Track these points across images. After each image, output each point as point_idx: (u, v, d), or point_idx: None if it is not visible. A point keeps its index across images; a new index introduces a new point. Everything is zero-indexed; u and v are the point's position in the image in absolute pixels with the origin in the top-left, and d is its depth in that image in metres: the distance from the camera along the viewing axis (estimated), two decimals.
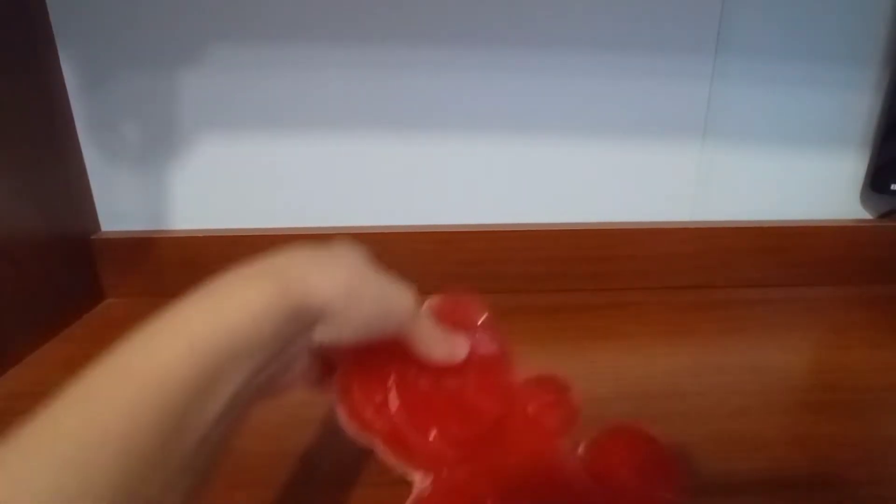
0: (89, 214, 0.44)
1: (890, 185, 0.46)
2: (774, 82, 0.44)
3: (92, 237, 0.44)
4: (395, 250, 0.45)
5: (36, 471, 0.13)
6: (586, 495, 0.23)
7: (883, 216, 0.49)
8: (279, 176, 0.45)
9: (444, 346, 0.23)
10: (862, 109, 0.46)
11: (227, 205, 0.45)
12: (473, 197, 0.46)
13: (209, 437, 0.15)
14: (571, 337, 0.39)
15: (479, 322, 0.26)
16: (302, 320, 0.18)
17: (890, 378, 0.34)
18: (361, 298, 0.19)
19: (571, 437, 0.25)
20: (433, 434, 0.23)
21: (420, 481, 0.23)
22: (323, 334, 0.19)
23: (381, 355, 0.22)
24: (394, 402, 0.23)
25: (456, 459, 0.23)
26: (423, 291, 0.50)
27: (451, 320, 0.24)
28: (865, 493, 0.25)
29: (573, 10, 0.41)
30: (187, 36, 0.41)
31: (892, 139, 0.45)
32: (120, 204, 0.44)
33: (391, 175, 0.45)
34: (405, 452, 0.23)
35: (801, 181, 0.48)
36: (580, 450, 0.25)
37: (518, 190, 0.46)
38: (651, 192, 0.47)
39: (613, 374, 0.34)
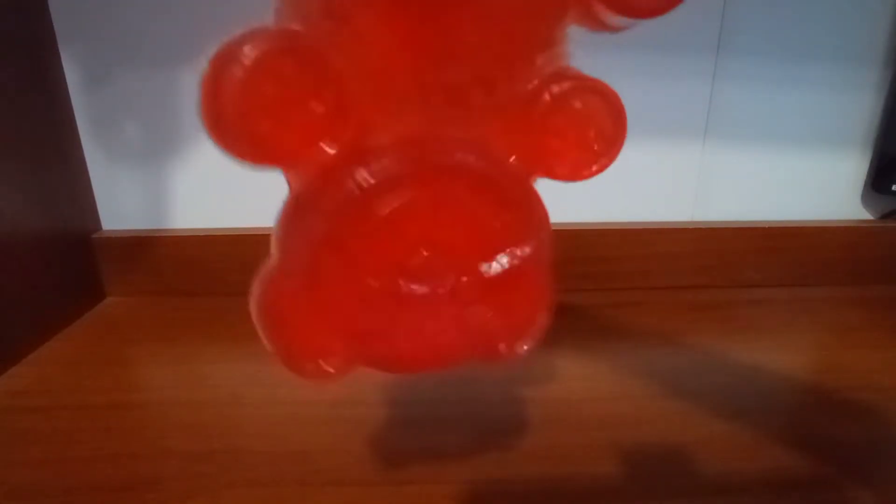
0: (90, 213, 0.44)
1: (891, 186, 0.46)
2: (776, 82, 0.44)
3: (93, 236, 0.44)
4: None
5: None
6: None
7: (884, 217, 0.49)
8: (280, 175, 0.45)
9: None
10: (863, 109, 0.46)
11: (228, 204, 0.45)
12: None
13: None
14: (571, 336, 0.39)
15: None
16: None
17: (891, 379, 0.34)
18: None
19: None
20: None
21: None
22: None
23: None
24: None
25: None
26: None
27: None
28: (866, 494, 0.25)
29: None
30: (189, 35, 0.40)
31: (893, 140, 0.45)
32: (121, 203, 0.45)
33: None
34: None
35: (803, 181, 0.48)
36: None
37: None
38: (651, 191, 0.47)
39: (613, 374, 0.34)
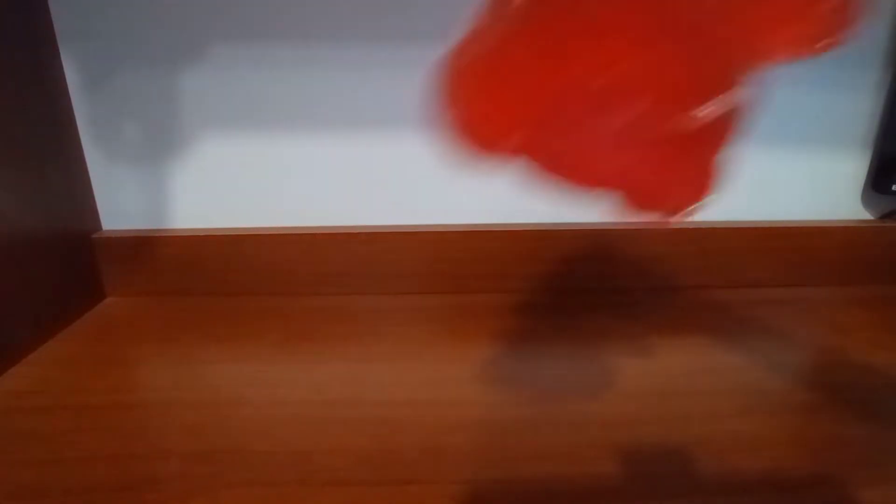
0: (90, 213, 0.44)
1: (891, 186, 0.46)
2: (775, 82, 0.44)
3: (93, 236, 0.44)
4: (395, 250, 0.45)
5: None
6: None
7: (884, 217, 0.49)
8: (280, 175, 0.45)
9: None
10: (863, 110, 0.46)
11: (229, 204, 0.45)
12: (476, 197, 0.46)
13: None
14: (571, 337, 0.39)
15: None
16: None
17: (892, 379, 0.34)
18: None
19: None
20: None
21: None
22: None
23: None
24: None
25: None
26: (424, 291, 0.50)
27: None
28: (866, 493, 0.25)
29: None
30: (189, 35, 0.41)
31: (893, 140, 0.45)
32: (121, 203, 0.45)
33: (392, 174, 0.45)
34: None
35: (802, 181, 0.47)
36: None
37: (519, 190, 0.46)
38: None
39: (613, 374, 0.34)
